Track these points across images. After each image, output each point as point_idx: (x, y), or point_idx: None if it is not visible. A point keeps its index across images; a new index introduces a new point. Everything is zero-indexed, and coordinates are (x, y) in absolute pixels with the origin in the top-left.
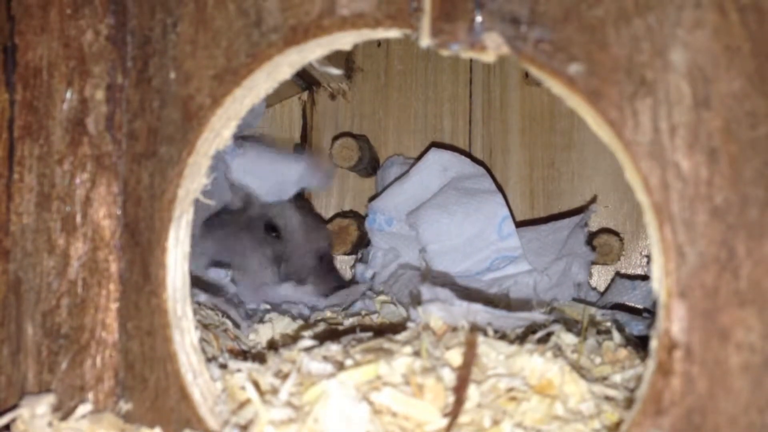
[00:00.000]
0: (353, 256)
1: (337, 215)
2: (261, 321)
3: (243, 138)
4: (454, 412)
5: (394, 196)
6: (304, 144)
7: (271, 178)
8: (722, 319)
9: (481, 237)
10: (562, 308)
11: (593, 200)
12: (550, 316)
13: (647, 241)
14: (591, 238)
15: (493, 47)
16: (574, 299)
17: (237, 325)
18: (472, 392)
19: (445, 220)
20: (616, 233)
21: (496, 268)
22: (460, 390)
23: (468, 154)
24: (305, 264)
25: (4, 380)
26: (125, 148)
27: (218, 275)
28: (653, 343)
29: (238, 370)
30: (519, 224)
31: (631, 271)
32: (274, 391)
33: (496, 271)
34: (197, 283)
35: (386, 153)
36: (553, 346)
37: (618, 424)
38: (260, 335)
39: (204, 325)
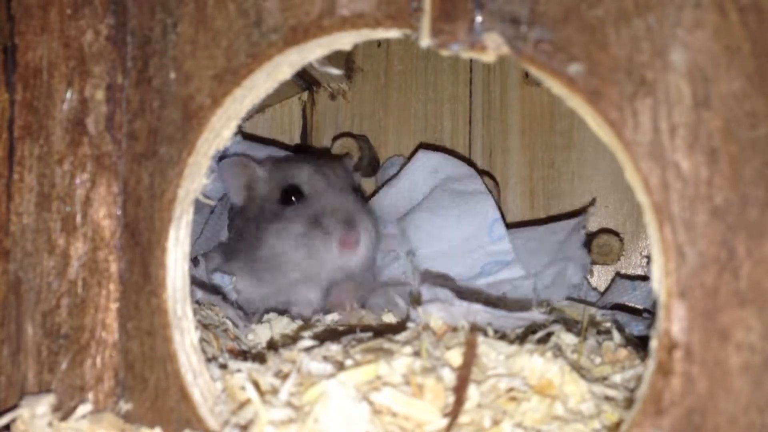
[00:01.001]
0: None
1: None
2: (259, 321)
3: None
4: (454, 412)
5: (384, 198)
6: (304, 144)
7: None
8: (722, 319)
9: (471, 240)
10: (562, 308)
11: (592, 203)
12: (550, 316)
13: (647, 241)
14: (590, 239)
15: (493, 47)
16: (574, 299)
17: (235, 326)
18: (472, 392)
19: (436, 223)
20: (616, 233)
21: (488, 273)
22: (460, 390)
23: (468, 156)
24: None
25: (4, 380)
26: (125, 148)
27: (222, 281)
28: (653, 343)
29: (238, 370)
30: (518, 224)
31: (631, 271)
32: (274, 391)
33: (489, 276)
34: (199, 285)
35: (386, 153)
36: (553, 346)
37: (618, 424)
38: (258, 336)
39: (204, 325)
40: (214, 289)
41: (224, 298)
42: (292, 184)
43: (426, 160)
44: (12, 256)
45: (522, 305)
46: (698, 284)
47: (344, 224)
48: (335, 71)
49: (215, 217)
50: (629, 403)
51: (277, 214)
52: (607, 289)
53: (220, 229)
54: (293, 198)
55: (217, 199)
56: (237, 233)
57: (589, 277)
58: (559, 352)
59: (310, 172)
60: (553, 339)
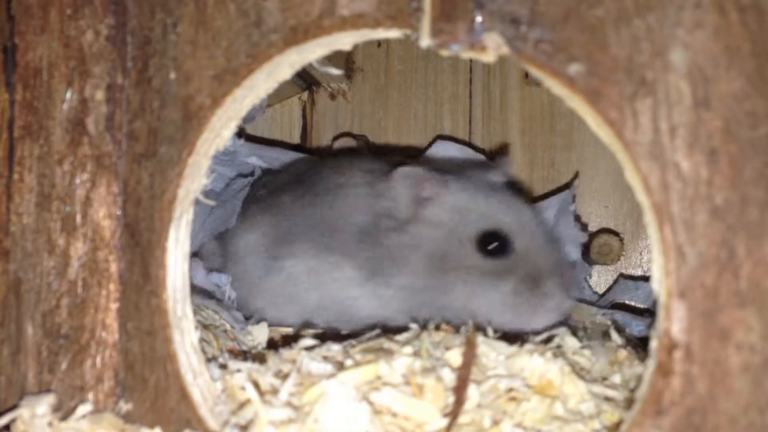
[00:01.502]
0: None
1: None
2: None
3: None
4: (454, 413)
5: None
6: (304, 144)
7: (282, 160)
8: (722, 319)
9: None
10: None
11: (575, 177)
12: None
13: (647, 241)
14: (590, 239)
15: (493, 47)
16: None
17: (232, 327)
18: (472, 392)
19: None
20: (616, 233)
21: None
22: (460, 390)
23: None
24: None
25: (4, 380)
26: (125, 148)
27: (220, 281)
28: (653, 344)
29: (238, 370)
30: None
31: (631, 271)
32: (274, 391)
33: None
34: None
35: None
36: (554, 346)
37: (618, 425)
38: (256, 336)
39: (204, 326)
40: (209, 294)
41: (218, 300)
42: (497, 231)
43: (442, 149)
44: (12, 256)
45: None
46: (698, 284)
47: (563, 289)
48: (335, 71)
49: (221, 205)
50: (629, 403)
51: (475, 263)
52: (608, 289)
53: (231, 215)
54: (496, 246)
55: (224, 186)
56: (390, 251)
57: (588, 278)
58: (559, 352)
59: (518, 218)
60: (556, 341)
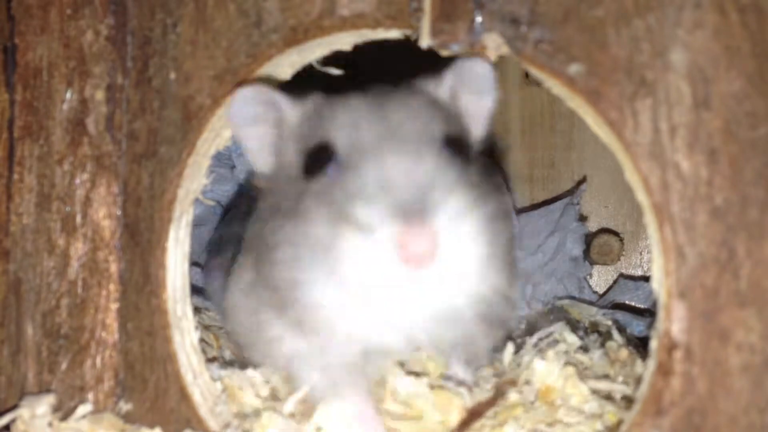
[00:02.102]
0: None
1: None
2: None
3: None
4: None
5: None
6: None
7: None
8: (722, 319)
9: None
10: (566, 308)
11: (582, 180)
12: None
13: (647, 241)
14: (590, 239)
15: (493, 47)
16: (576, 299)
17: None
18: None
19: None
20: (616, 233)
21: None
22: (468, 421)
23: None
24: None
25: (4, 380)
26: (125, 148)
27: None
28: (653, 344)
29: (239, 371)
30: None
31: (631, 271)
32: (274, 397)
33: None
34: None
35: None
36: (556, 347)
37: (618, 424)
38: None
39: (204, 326)
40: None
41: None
42: (322, 140)
43: None
44: (12, 256)
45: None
46: (698, 284)
47: (403, 210)
48: (335, 71)
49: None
50: (629, 403)
51: (298, 195)
52: (608, 289)
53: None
54: (324, 165)
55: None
56: (257, 226)
57: (588, 277)
58: (560, 352)
59: (358, 115)
60: (557, 340)
